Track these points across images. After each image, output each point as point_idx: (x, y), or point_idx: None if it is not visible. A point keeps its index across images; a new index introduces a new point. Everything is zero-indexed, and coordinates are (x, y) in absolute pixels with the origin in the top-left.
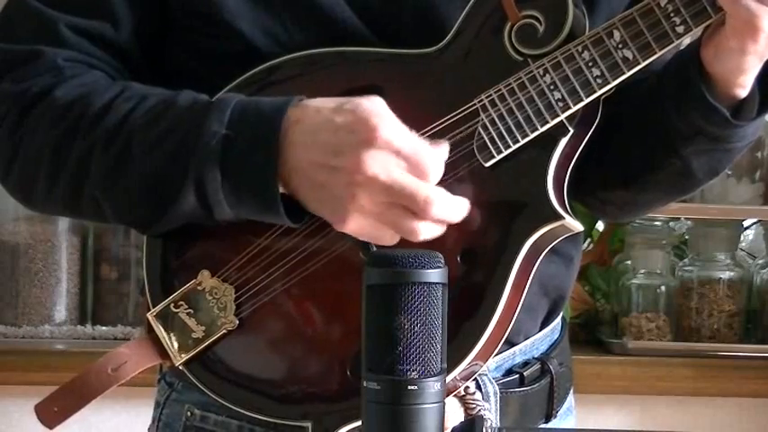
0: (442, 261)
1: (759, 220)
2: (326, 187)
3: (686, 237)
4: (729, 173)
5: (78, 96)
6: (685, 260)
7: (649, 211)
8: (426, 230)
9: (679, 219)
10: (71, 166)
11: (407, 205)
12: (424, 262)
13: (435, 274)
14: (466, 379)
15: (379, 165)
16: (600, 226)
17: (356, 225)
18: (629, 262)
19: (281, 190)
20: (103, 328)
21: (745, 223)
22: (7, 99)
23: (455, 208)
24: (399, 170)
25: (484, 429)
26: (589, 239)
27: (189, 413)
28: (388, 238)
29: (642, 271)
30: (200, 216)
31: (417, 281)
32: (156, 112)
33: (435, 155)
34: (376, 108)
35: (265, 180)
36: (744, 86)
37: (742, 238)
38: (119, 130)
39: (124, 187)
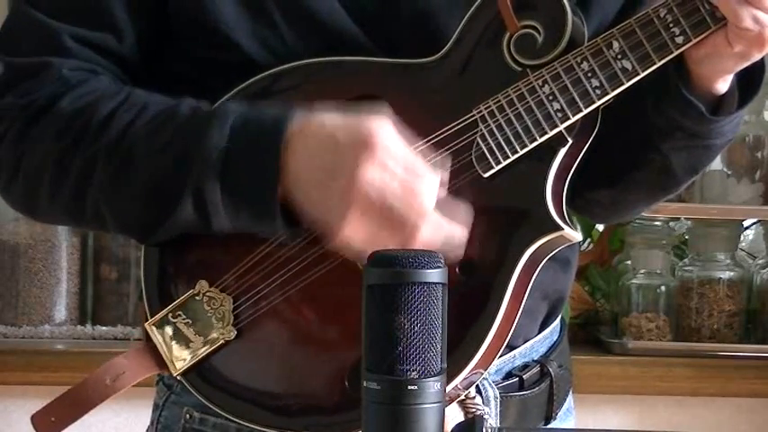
0: (442, 261)
1: (759, 220)
2: (325, 193)
3: (686, 237)
4: (729, 173)
5: (82, 107)
6: (685, 260)
7: (637, 213)
8: (425, 240)
9: (679, 219)
10: (74, 176)
11: (394, 231)
12: (424, 262)
13: (435, 274)
14: (466, 387)
15: (375, 172)
16: (600, 226)
17: (354, 232)
18: (629, 262)
19: (283, 197)
20: (103, 328)
21: (745, 223)
22: (12, 112)
23: (445, 235)
24: (391, 191)
25: (484, 429)
26: (589, 239)
27: (188, 415)
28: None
29: (642, 271)
30: (197, 227)
31: (417, 281)
32: (157, 123)
33: (432, 179)
34: (379, 127)
35: (266, 194)
36: (726, 82)
37: (742, 238)
38: (121, 141)
39: (126, 197)
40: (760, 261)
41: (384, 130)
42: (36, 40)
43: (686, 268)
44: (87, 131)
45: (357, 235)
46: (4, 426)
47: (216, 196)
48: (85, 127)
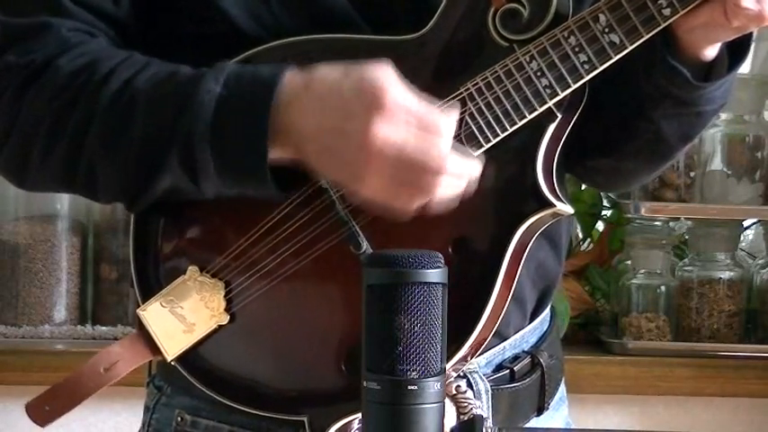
0: (442, 261)
1: (759, 220)
2: (339, 152)
3: (686, 237)
4: (729, 173)
5: (83, 66)
6: (685, 260)
7: (640, 181)
8: (443, 190)
9: (679, 219)
10: (71, 130)
11: (423, 162)
12: (424, 262)
13: (435, 274)
14: (463, 361)
15: (389, 128)
16: (600, 226)
17: (373, 188)
18: (629, 262)
19: (286, 155)
20: (103, 328)
21: (745, 223)
22: (10, 71)
23: (469, 165)
24: (410, 131)
25: (484, 429)
26: (589, 239)
27: (179, 418)
28: (405, 201)
29: (642, 271)
30: (184, 180)
31: (417, 281)
32: (159, 78)
33: (446, 115)
34: (382, 72)
35: (256, 138)
36: (715, 48)
37: (742, 238)
38: (122, 93)
39: (122, 147)
40: (760, 261)
41: (389, 78)
42: (34, 0)
43: (686, 268)
44: (87, 88)
45: (379, 189)
46: (3, 426)
47: (204, 141)
48: (85, 84)
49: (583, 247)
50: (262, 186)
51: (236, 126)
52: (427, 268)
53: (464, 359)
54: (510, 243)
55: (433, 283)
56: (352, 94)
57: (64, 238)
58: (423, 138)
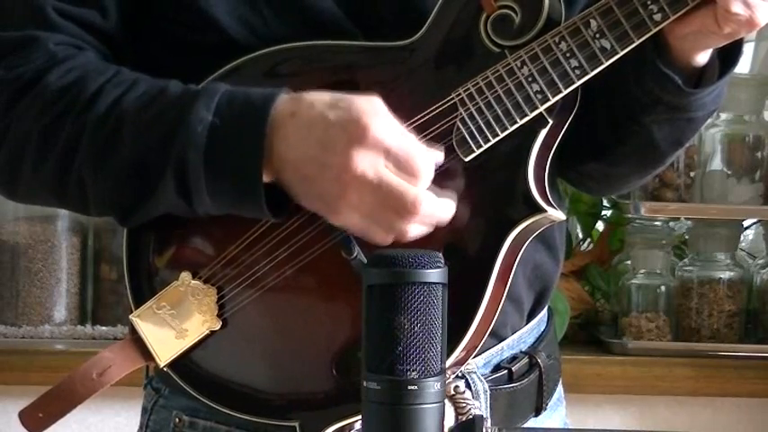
0: (442, 261)
1: (759, 220)
2: (317, 183)
3: (686, 237)
4: (729, 173)
5: (71, 81)
6: (685, 260)
7: (631, 186)
8: (415, 230)
9: (679, 219)
10: (61, 146)
11: (395, 206)
12: (424, 262)
13: (435, 274)
14: (458, 365)
15: (367, 163)
16: (600, 226)
17: (348, 220)
18: (629, 262)
19: (268, 179)
20: (103, 328)
21: (745, 223)
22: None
23: (443, 208)
24: (388, 170)
25: (484, 430)
26: (589, 239)
27: (177, 419)
28: (380, 236)
29: (642, 271)
30: (180, 207)
31: (417, 281)
32: (146, 99)
33: (426, 156)
34: (370, 106)
35: (249, 168)
36: (706, 54)
37: (742, 238)
38: (110, 114)
39: (111, 170)
40: (760, 261)
41: (375, 113)
42: (21, 14)
43: (686, 268)
44: (75, 105)
45: (356, 215)
46: (3, 426)
47: (198, 171)
48: (74, 100)
49: (583, 247)
50: (257, 212)
51: (229, 156)
52: (427, 268)
53: (458, 363)
54: (501, 248)
55: (433, 283)
56: (337, 125)
57: (64, 238)
58: (400, 178)
